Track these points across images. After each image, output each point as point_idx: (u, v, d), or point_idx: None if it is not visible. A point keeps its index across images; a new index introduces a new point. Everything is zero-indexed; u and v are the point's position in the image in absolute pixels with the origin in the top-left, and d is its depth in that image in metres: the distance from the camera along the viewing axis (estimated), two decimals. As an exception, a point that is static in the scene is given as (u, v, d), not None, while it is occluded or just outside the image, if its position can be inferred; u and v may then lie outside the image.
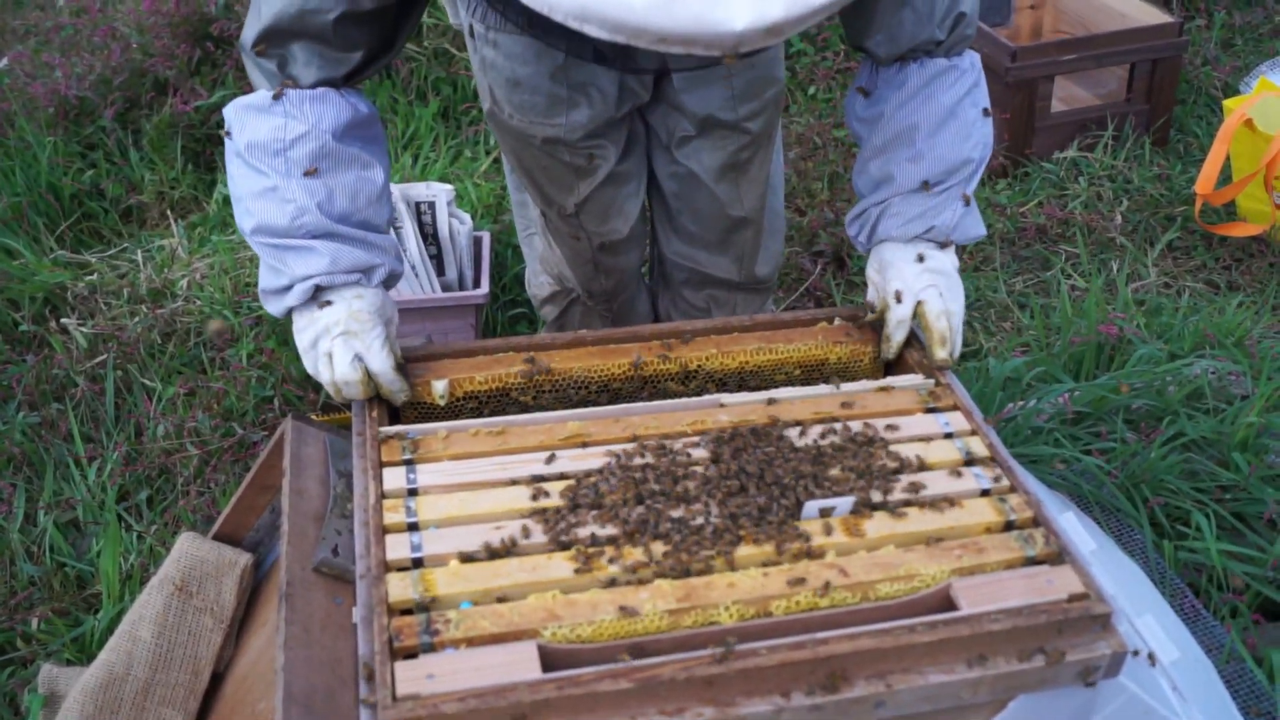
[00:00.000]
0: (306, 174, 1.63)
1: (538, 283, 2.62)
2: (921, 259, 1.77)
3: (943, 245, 1.79)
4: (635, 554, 1.37)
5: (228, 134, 1.68)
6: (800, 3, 1.25)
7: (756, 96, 2.08)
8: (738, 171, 2.18)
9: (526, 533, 1.40)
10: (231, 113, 1.68)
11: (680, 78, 2.04)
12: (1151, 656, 1.52)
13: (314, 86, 1.65)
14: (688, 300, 2.45)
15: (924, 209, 1.78)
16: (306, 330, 1.65)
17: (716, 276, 2.37)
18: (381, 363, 1.63)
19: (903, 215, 1.78)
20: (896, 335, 1.78)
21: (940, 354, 1.73)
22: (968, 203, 1.80)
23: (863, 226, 1.85)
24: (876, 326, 1.81)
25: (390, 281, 1.72)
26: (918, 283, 1.76)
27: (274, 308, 1.68)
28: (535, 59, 1.93)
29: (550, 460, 1.51)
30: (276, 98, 1.64)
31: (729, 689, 1.24)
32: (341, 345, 1.62)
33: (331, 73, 1.66)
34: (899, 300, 1.76)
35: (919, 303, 1.76)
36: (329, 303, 1.65)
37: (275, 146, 1.63)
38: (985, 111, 1.82)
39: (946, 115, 1.77)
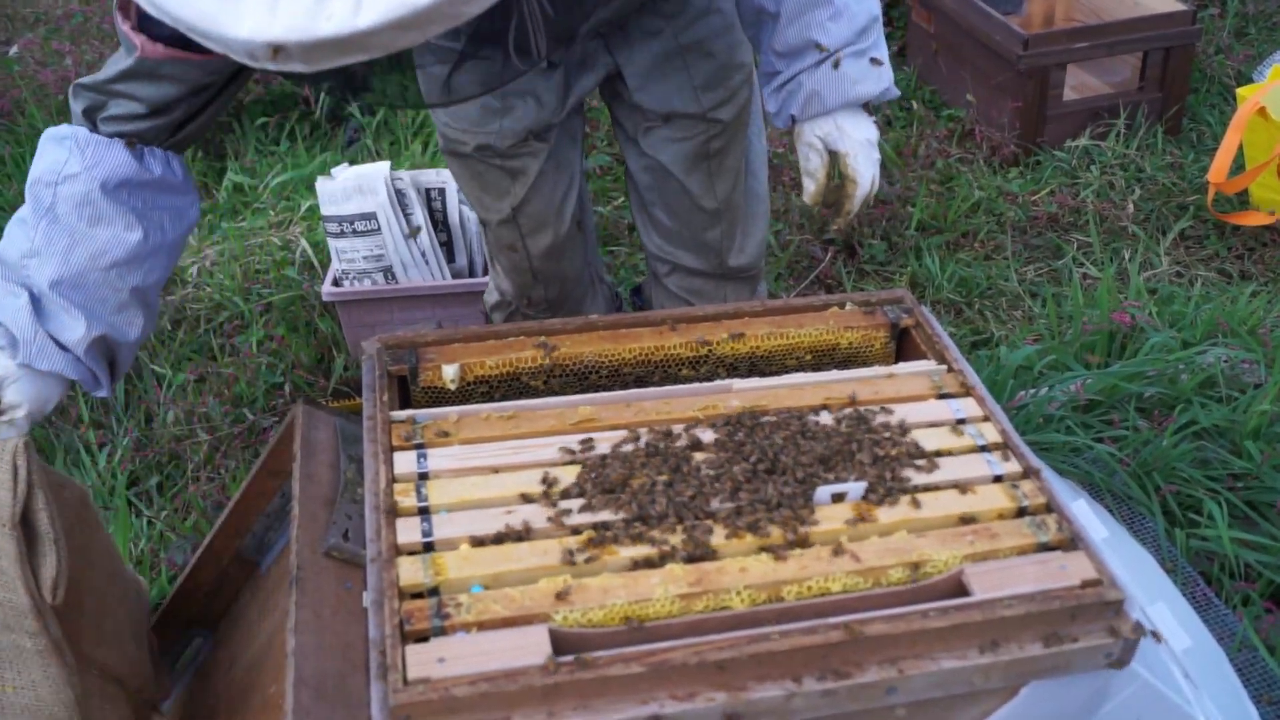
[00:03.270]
0: (58, 217, 1.61)
1: (489, 288, 2.60)
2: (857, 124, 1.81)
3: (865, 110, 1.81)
4: (646, 538, 1.37)
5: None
6: (302, 29, 1.20)
7: (721, 84, 2.05)
8: (710, 160, 2.15)
9: (539, 515, 1.39)
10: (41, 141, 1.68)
11: (633, 77, 2.01)
12: (1156, 635, 1.51)
13: (114, 136, 1.63)
14: (672, 292, 2.41)
15: (859, 74, 1.77)
16: None
17: (696, 268, 2.34)
18: None
19: (848, 77, 1.77)
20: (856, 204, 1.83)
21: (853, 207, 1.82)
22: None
23: (790, 97, 1.82)
24: (829, 203, 1.86)
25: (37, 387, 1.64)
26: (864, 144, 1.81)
27: None
28: (470, 69, 1.92)
29: (562, 445, 1.51)
30: (71, 133, 1.63)
31: (741, 673, 1.23)
32: None
33: (135, 126, 1.63)
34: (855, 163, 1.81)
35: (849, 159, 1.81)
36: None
37: (49, 178, 1.62)
38: None
39: None
